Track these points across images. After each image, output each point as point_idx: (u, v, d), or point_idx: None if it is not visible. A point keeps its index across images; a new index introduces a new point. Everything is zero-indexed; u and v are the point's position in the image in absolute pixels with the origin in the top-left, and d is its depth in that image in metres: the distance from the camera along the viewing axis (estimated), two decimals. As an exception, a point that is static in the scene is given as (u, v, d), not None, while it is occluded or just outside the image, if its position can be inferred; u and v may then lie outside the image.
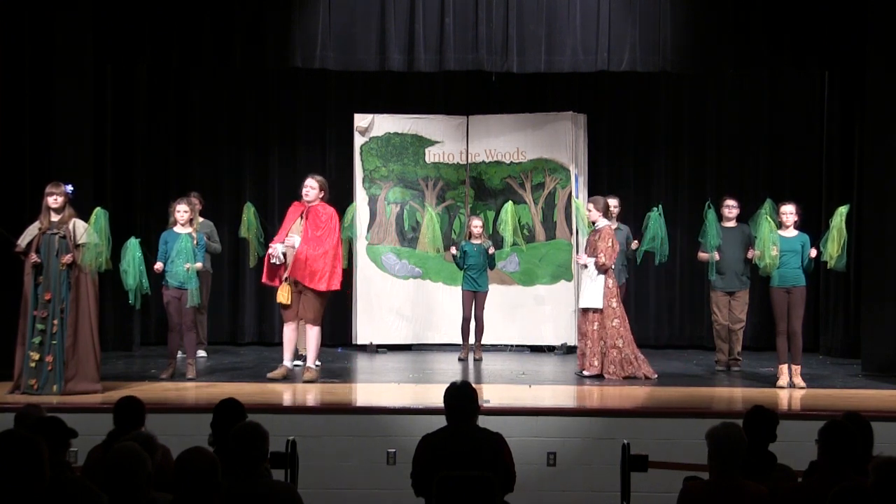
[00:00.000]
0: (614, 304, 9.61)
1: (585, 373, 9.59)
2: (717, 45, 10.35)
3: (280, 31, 10.26)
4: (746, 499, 4.63)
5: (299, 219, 9.32)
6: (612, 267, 9.69)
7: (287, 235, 9.28)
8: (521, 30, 10.25)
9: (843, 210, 9.27)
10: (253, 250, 10.55)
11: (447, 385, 5.68)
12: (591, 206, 9.90)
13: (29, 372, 8.28)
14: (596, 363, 9.53)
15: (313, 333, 9.37)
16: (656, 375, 9.62)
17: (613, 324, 9.56)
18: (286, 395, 8.91)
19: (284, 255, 9.19)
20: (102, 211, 8.47)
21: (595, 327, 9.57)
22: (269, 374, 9.33)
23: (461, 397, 5.56)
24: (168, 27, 10.25)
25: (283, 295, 9.24)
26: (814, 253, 9.26)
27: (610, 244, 9.63)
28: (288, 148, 12.42)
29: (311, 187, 9.35)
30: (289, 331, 9.39)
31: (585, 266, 9.74)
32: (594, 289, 9.61)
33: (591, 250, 9.71)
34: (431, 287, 11.85)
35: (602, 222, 9.76)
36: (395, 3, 10.23)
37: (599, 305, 9.54)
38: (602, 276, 9.59)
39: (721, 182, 12.04)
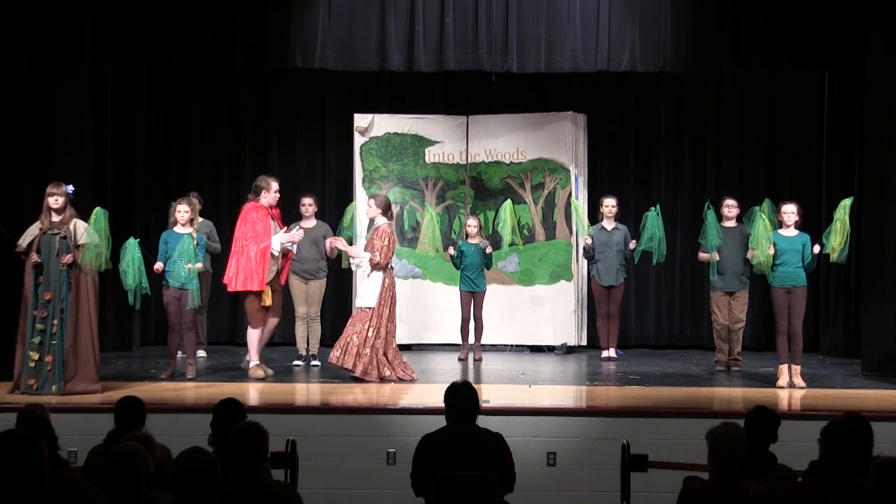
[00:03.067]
0: (383, 304, 9.39)
1: (347, 367, 9.29)
2: (716, 45, 10.34)
3: (280, 31, 10.26)
4: (746, 499, 4.63)
5: (272, 220, 9.53)
6: (391, 266, 9.47)
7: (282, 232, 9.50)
8: (521, 30, 10.24)
9: (846, 202, 9.26)
10: (253, 250, 10.57)
11: (447, 385, 5.68)
12: (371, 202, 9.66)
13: (28, 372, 8.28)
14: (357, 362, 9.24)
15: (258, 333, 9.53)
16: (416, 377, 9.42)
17: (374, 323, 9.27)
18: (286, 395, 8.91)
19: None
20: (102, 211, 8.47)
21: (365, 326, 9.27)
22: (251, 372, 9.44)
23: (462, 398, 5.56)
24: (168, 27, 10.25)
25: (268, 297, 9.41)
26: (817, 249, 9.26)
27: (386, 243, 9.35)
28: (288, 148, 12.42)
29: (277, 191, 9.59)
30: (262, 331, 9.51)
31: (359, 266, 9.54)
32: (370, 287, 9.35)
33: (370, 248, 9.45)
34: (431, 287, 11.84)
35: (380, 220, 9.51)
36: (395, 3, 10.23)
37: (372, 304, 9.30)
38: (379, 274, 9.34)
39: (721, 182, 12.05)
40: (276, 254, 9.37)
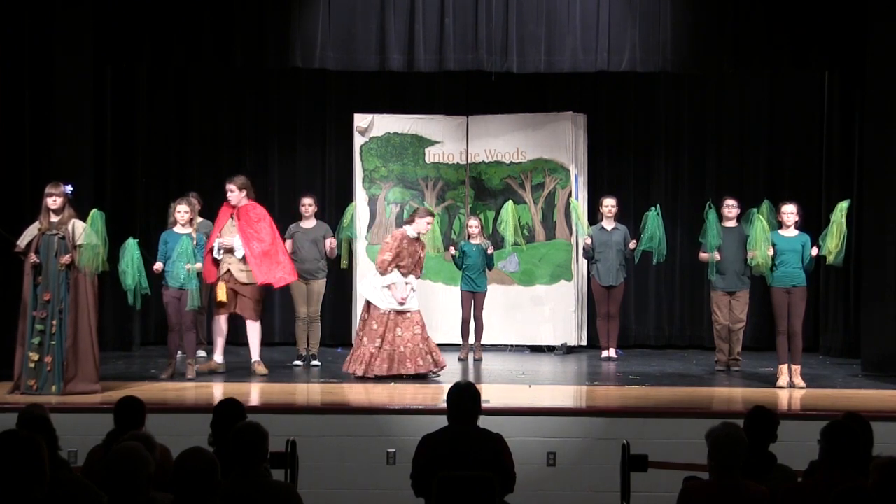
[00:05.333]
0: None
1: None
2: (717, 45, 10.34)
3: (280, 31, 10.26)
4: (746, 499, 4.63)
5: (230, 219, 9.78)
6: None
7: (218, 237, 9.78)
8: (521, 30, 10.24)
9: (843, 205, 9.28)
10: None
11: (447, 385, 5.68)
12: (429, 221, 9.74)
13: (28, 372, 8.28)
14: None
15: (256, 328, 9.83)
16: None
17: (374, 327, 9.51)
18: (286, 395, 8.91)
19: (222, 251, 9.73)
20: (99, 212, 8.46)
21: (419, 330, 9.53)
22: (198, 367, 9.62)
23: (465, 399, 5.56)
24: (168, 27, 10.24)
25: (222, 293, 9.67)
26: (815, 251, 9.27)
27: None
28: (288, 148, 12.42)
29: (231, 190, 9.82)
30: (223, 324, 9.84)
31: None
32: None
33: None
34: (431, 287, 11.83)
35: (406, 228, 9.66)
36: (394, 3, 10.22)
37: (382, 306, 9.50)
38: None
39: (721, 182, 12.04)
40: (215, 255, 9.65)
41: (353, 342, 9.79)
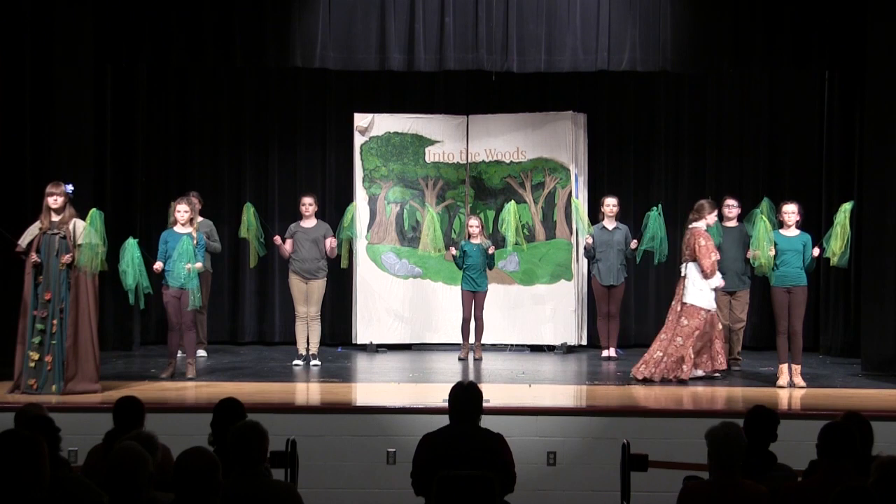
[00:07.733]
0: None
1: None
2: (716, 45, 10.34)
3: (280, 30, 10.26)
4: (746, 499, 4.63)
5: None
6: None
7: None
8: (521, 30, 10.24)
9: (847, 207, 9.29)
10: (253, 250, 10.59)
11: (449, 385, 5.68)
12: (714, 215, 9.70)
13: (28, 372, 8.28)
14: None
15: None
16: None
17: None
18: (286, 395, 8.91)
19: None
20: (98, 212, 8.46)
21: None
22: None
23: (468, 399, 5.56)
24: (168, 26, 10.25)
25: None
26: (817, 252, 9.27)
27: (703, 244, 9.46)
28: (288, 148, 12.41)
29: None
30: None
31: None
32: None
33: (690, 252, 9.47)
34: (431, 287, 11.85)
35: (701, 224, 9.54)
36: (395, 2, 10.23)
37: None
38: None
39: (721, 182, 12.04)
40: None
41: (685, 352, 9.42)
